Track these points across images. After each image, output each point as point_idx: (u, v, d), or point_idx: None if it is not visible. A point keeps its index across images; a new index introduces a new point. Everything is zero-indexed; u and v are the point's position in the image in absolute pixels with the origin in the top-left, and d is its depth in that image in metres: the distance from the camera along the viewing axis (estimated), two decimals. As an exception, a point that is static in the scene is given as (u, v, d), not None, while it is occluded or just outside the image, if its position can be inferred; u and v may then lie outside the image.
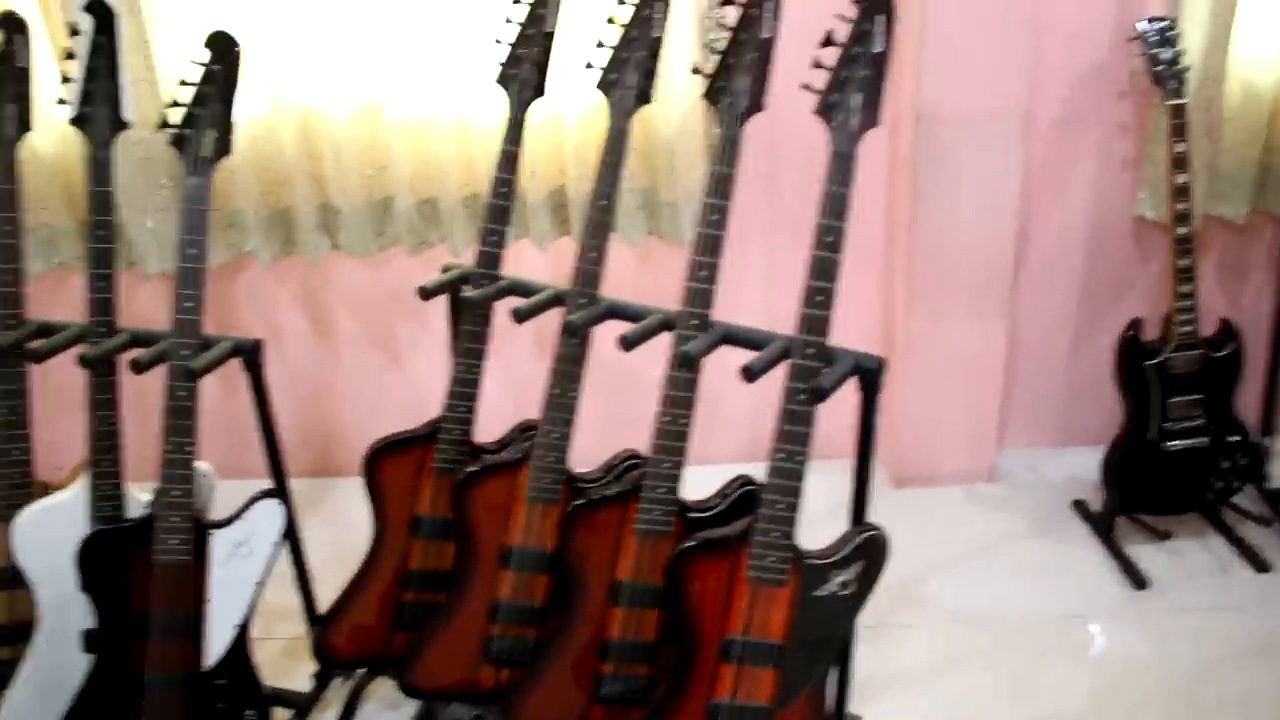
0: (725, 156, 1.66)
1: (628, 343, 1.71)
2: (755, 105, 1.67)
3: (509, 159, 1.90)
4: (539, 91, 1.92)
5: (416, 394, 2.78)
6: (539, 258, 2.54)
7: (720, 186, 1.67)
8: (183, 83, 1.75)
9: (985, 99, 2.32)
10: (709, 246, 1.68)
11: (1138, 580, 2.43)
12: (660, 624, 1.85)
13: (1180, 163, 2.28)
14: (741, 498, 1.84)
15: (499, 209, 1.91)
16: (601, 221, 1.80)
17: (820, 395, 1.58)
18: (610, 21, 1.80)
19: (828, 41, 1.60)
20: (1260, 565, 2.46)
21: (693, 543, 1.67)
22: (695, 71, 1.63)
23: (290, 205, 2.43)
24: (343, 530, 2.48)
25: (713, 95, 1.66)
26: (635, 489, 1.78)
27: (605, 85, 1.79)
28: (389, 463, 1.99)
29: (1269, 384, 2.66)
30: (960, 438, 2.72)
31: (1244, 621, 2.31)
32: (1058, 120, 2.50)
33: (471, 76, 2.30)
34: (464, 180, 2.41)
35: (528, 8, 1.90)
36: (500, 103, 1.90)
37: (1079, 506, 2.69)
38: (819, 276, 1.60)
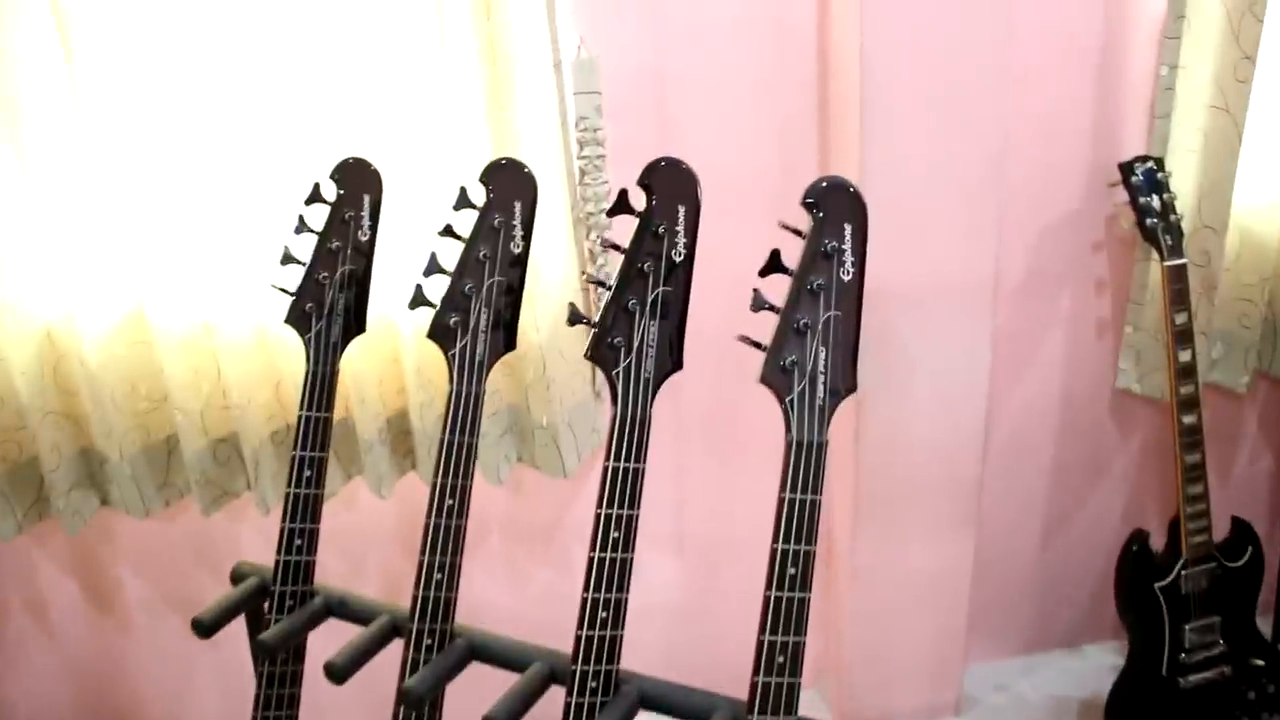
0: (627, 447, 1.11)
1: (499, 725, 1.13)
2: (673, 365, 1.13)
3: (314, 430, 1.33)
4: (354, 330, 1.36)
5: (232, 661, 2.14)
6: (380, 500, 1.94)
7: (624, 492, 1.11)
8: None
9: (947, 268, 1.83)
10: (611, 581, 1.12)
11: None
12: None
13: (1183, 337, 1.83)
14: None
15: (303, 502, 1.33)
16: (450, 527, 1.23)
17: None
18: (446, 233, 1.25)
19: (771, 265, 1.07)
20: (1304, 814, 1.99)
21: None
22: (573, 321, 1.08)
23: (36, 456, 1.79)
24: None
25: (602, 356, 1.11)
26: None
27: (442, 333, 1.22)
28: None
29: (1281, 582, 2.22)
30: (921, 669, 2.20)
31: None
32: (1021, 281, 2.03)
33: (270, 274, 1.70)
34: (271, 410, 1.80)
35: (330, 209, 1.34)
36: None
37: (1072, 744, 2.19)
38: (782, 627, 1.06)
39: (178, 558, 2.04)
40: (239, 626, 1.95)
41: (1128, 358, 2.09)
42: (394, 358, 1.80)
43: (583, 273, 1.74)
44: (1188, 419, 1.85)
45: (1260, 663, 1.97)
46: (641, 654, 2.22)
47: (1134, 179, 1.86)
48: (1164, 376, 2.05)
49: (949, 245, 1.82)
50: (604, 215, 1.76)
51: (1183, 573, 1.89)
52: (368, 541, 2.05)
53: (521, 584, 2.13)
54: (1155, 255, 1.93)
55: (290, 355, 1.75)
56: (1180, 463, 1.86)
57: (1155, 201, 1.84)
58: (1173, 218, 1.84)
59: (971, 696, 2.30)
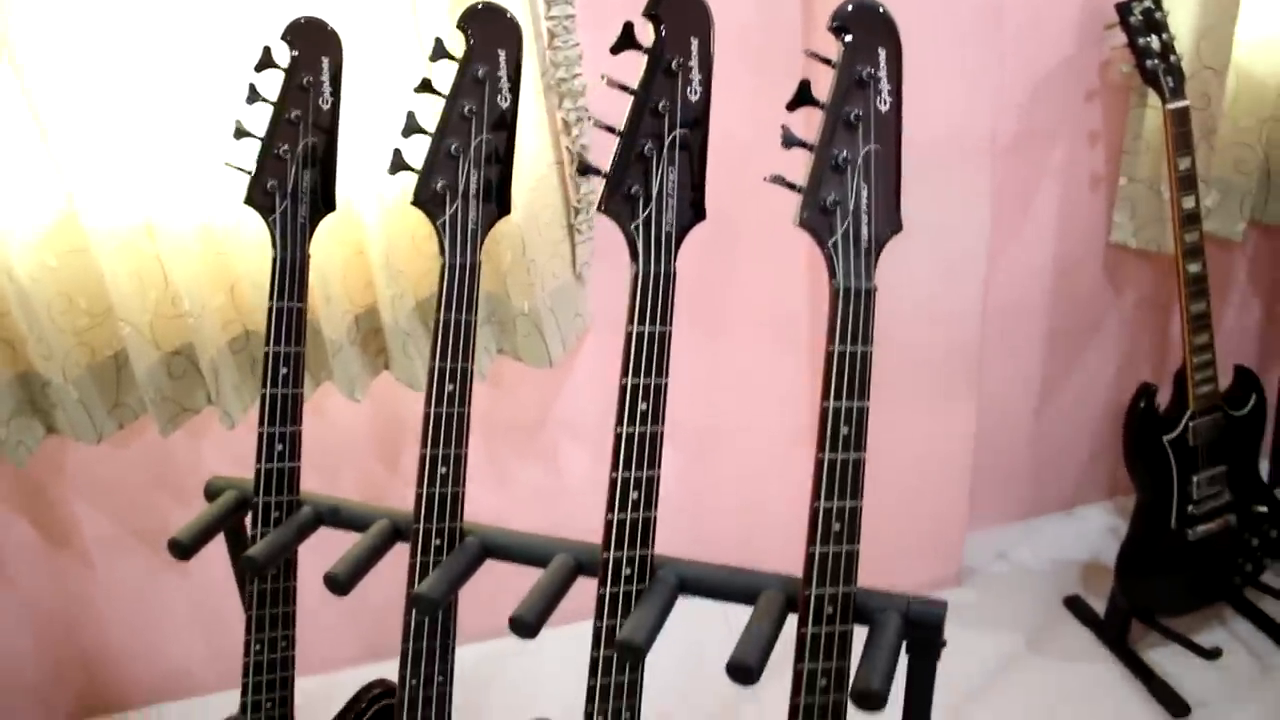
0: (652, 307, 1.00)
1: (522, 628, 1.03)
2: (695, 214, 1.02)
3: (287, 321, 1.20)
4: (322, 207, 1.23)
5: (207, 593, 2.02)
6: (352, 406, 1.81)
7: (651, 358, 1.00)
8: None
9: (946, 123, 1.72)
10: (641, 458, 1.02)
11: (1176, 706, 1.90)
12: None
13: (1187, 183, 1.75)
14: None
15: (282, 403, 1.20)
16: (453, 415, 1.12)
17: (873, 702, 0.94)
18: (424, 88, 1.11)
19: (800, 98, 0.95)
20: (1308, 655, 1.98)
21: None
22: (582, 172, 0.95)
23: (-32, 382, 1.63)
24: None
25: (618, 208, 0.99)
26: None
27: (429, 199, 1.09)
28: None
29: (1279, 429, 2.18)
30: (921, 544, 2.15)
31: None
32: (1012, 136, 1.93)
33: (213, 161, 1.54)
34: (227, 316, 1.66)
35: (284, 76, 1.20)
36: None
37: (1074, 606, 2.15)
38: (837, 492, 0.97)
39: (136, 483, 1.90)
40: (208, 551, 1.83)
41: (1122, 210, 2.01)
42: (358, 249, 1.66)
43: (570, 139, 1.61)
44: (1193, 267, 1.78)
45: (1264, 509, 1.94)
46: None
47: (1132, 19, 1.76)
48: (1160, 229, 1.98)
49: (946, 98, 1.71)
50: (576, 81, 1.62)
51: (1190, 424, 1.84)
52: (341, 451, 1.92)
53: (506, 484, 2.02)
54: (1151, 101, 1.85)
55: (245, 253, 1.61)
56: (1186, 313, 1.80)
57: (1155, 42, 1.75)
58: (1173, 58, 1.75)
59: (971, 567, 2.26)
